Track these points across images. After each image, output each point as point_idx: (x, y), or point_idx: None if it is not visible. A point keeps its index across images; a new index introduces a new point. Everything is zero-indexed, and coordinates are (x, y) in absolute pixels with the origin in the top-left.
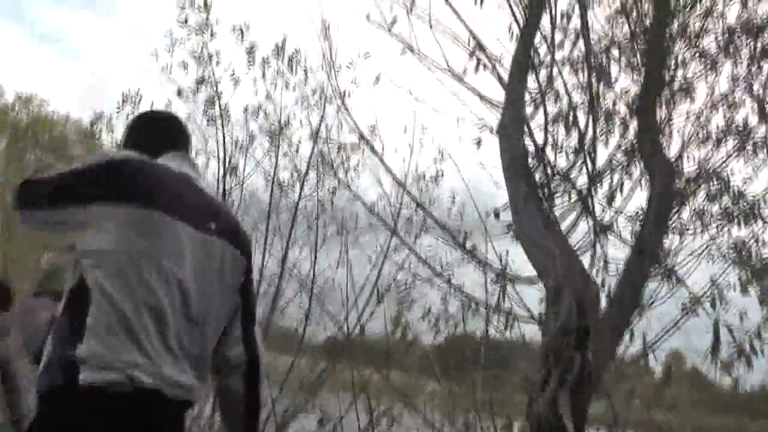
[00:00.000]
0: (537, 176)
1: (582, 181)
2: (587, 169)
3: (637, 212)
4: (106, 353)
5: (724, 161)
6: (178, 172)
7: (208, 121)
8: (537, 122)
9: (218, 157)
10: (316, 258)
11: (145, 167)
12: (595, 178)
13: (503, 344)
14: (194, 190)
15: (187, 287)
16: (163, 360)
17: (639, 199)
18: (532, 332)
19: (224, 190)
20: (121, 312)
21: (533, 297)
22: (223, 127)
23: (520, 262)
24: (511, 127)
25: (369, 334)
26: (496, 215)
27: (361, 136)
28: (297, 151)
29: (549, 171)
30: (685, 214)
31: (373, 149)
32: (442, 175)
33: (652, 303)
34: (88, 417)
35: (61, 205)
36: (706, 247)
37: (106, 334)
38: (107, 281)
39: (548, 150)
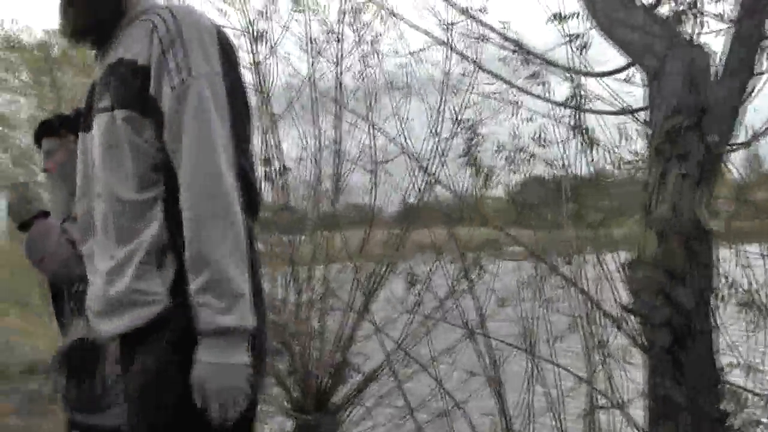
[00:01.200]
0: None
1: None
2: None
3: None
4: None
5: None
6: None
7: None
8: None
9: (240, 26)
10: (371, 109)
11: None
12: None
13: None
14: None
15: None
16: None
17: None
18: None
19: (255, 60)
20: None
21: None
22: None
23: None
24: None
25: (441, 193)
26: (561, 19)
27: None
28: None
29: None
30: None
31: None
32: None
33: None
34: None
35: None
36: None
37: None
38: None
39: None
